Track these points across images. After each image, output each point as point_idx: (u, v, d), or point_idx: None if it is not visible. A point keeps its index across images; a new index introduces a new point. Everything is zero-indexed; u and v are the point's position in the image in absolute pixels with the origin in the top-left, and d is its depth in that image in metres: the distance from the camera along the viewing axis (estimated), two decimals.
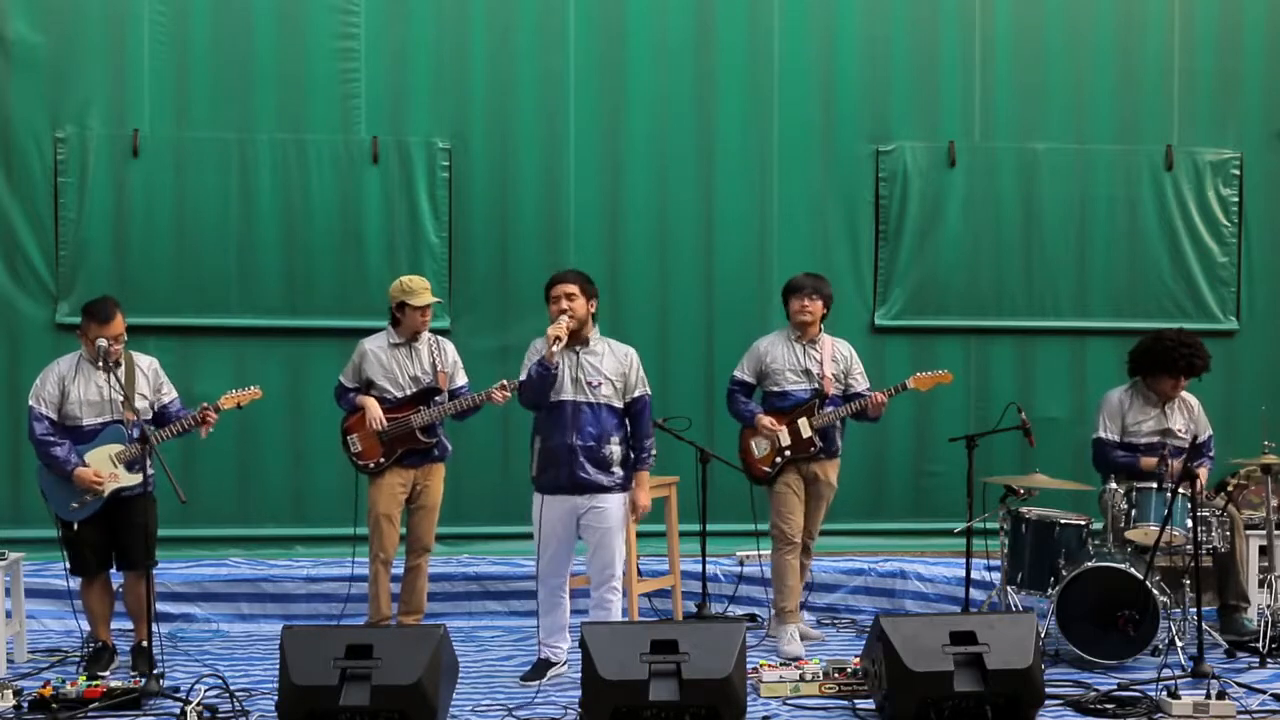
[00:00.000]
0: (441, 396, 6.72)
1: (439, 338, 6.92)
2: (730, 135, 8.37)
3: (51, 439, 6.29)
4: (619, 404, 6.20)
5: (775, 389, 6.97)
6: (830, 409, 6.90)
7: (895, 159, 8.45)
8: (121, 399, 6.23)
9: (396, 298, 6.72)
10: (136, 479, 6.14)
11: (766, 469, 6.95)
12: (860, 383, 7.03)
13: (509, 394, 6.58)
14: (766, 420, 6.88)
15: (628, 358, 6.26)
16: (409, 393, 6.72)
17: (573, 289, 6.12)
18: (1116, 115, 8.59)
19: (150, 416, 6.43)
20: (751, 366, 7.04)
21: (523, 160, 8.25)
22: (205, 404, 6.39)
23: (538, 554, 6.21)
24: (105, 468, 6.26)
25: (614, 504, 6.17)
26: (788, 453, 6.89)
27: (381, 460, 6.68)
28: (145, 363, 6.51)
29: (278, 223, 8.06)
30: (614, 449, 6.16)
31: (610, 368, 6.18)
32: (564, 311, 6.07)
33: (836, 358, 7.01)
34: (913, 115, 8.47)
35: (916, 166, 8.46)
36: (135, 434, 6.15)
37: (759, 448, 6.98)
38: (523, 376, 6.20)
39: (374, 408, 6.64)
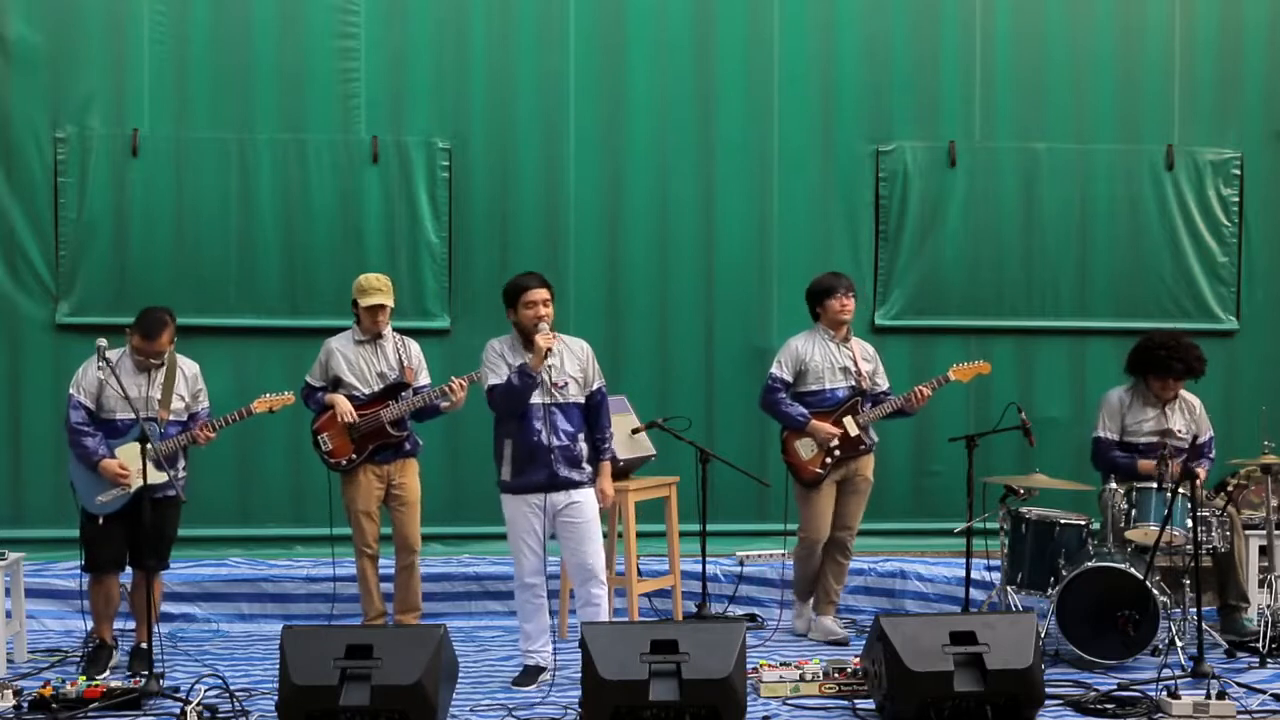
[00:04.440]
0: (408, 392, 6.73)
1: (404, 336, 6.92)
2: (730, 135, 8.37)
3: (85, 429, 6.35)
4: (582, 400, 6.21)
5: (814, 387, 7.00)
6: (872, 407, 6.96)
7: (895, 159, 8.45)
8: (134, 399, 6.27)
9: (353, 295, 6.75)
10: (163, 477, 6.16)
11: (818, 470, 6.98)
12: (883, 384, 7.11)
13: (461, 395, 6.58)
14: (826, 426, 6.90)
15: (584, 352, 6.27)
16: (376, 389, 6.72)
17: (548, 295, 6.13)
18: (1117, 115, 8.58)
19: (185, 419, 6.49)
20: (792, 365, 7.03)
21: (523, 160, 8.25)
22: (248, 405, 6.49)
23: (516, 555, 6.20)
24: (134, 464, 6.26)
25: (589, 497, 6.19)
26: (837, 452, 6.95)
27: (353, 457, 6.69)
28: (189, 367, 6.56)
29: (278, 223, 8.06)
30: (583, 446, 6.19)
31: (572, 366, 6.19)
32: (541, 319, 6.05)
33: (867, 357, 7.10)
34: (913, 115, 8.47)
35: (916, 166, 8.45)
36: (170, 432, 6.33)
37: (806, 449, 6.99)
38: (493, 380, 6.16)
39: (343, 402, 6.65)
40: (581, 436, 6.19)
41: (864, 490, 7.09)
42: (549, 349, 6.01)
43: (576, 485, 6.14)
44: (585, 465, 6.19)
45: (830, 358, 7.01)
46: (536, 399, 6.09)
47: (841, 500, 7.06)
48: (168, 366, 6.45)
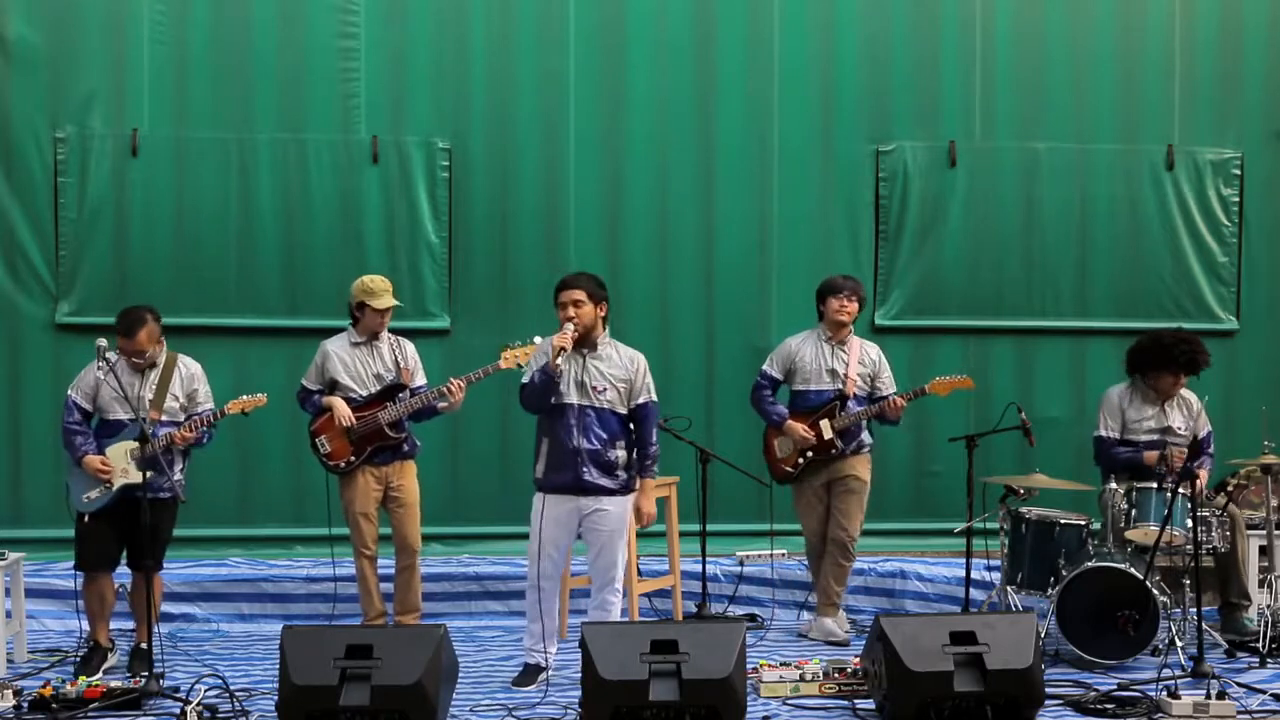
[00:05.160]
0: (405, 394, 6.73)
1: (399, 337, 6.92)
2: (730, 135, 8.37)
3: (76, 427, 6.38)
4: (623, 409, 6.16)
5: (800, 387, 7.06)
6: (852, 410, 6.97)
7: (895, 159, 8.45)
8: (131, 400, 6.27)
9: (357, 297, 6.74)
10: (147, 475, 6.15)
11: (789, 469, 7.05)
12: (887, 387, 7.10)
13: (459, 396, 6.57)
14: (800, 428, 6.95)
15: (634, 363, 6.21)
16: (373, 391, 6.72)
17: (580, 295, 6.08)
18: (1117, 115, 8.58)
19: (182, 419, 6.47)
20: (781, 363, 7.10)
21: (523, 160, 8.25)
22: (222, 407, 6.45)
23: (533, 554, 6.17)
24: (120, 462, 6.29)
25: (617, 507, 6.14)
26: (810, 454, 6.98)
27: (352, 459, 6.68)
28: (187, 367, 6.54)
29: (278, 223, 8.06)
30: (619, 453, 6.13)
31: (615, 373, 6.15)
32: (570, 319, 6.04)
33: (864, 360, 7.08)
34: (913, 115, 8.47)
35: (916, 166, 8.45)
36: (158, 432, 6.29)
37: (782, 448, 7.06)
38: (525, 378, 6.20)
39: (341, 406, 6.64)
40: (620, 444, 6.13)
41: (858, 490, 7.05)
42: (562, 348, 5.99)
43: (607, 493, 6.10)
44: (620, 473, 6.13)
45: (820, 359, 7.03)
46: (573, 400, 6.07)
47: (835, 501, 7.06)
48: (164, 367, 6.45)
